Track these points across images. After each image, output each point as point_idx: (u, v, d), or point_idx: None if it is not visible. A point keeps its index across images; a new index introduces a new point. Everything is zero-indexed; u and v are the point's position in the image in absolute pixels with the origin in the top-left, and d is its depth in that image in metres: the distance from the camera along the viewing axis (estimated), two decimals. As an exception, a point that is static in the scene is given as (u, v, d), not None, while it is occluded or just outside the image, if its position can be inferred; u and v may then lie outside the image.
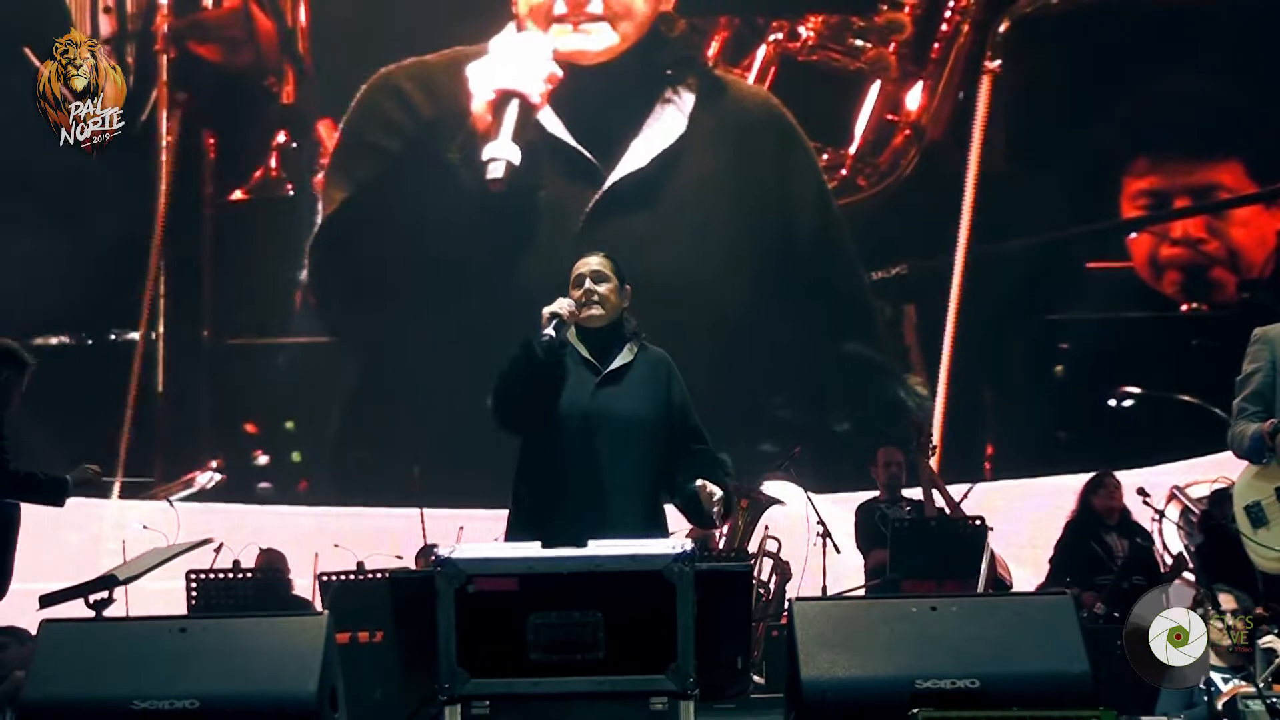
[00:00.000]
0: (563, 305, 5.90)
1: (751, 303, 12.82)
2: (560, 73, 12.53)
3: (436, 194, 12.67)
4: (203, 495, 12.97)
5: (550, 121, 12.70)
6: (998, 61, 13.27)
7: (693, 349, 12.00)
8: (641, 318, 6.15)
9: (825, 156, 13.39)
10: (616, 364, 5.96)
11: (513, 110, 12.37)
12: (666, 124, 12.88)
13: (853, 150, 13.48)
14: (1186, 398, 12.99)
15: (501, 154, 12.30)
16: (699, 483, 5.84)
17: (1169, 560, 10.19)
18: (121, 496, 12.83)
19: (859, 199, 13.46)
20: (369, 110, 13.03)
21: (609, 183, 12.75)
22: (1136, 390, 13.33)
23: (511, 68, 12.50)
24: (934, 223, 13.35)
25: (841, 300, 13.14)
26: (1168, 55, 13.05)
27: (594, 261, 6.02)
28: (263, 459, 13.45)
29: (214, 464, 13.23)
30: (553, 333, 5.80)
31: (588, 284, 5.96)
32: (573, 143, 12.72)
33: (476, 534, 10.03)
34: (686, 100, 12.94)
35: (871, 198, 13.48)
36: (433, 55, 12.99)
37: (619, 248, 6.37)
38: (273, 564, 10.36)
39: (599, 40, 12.79)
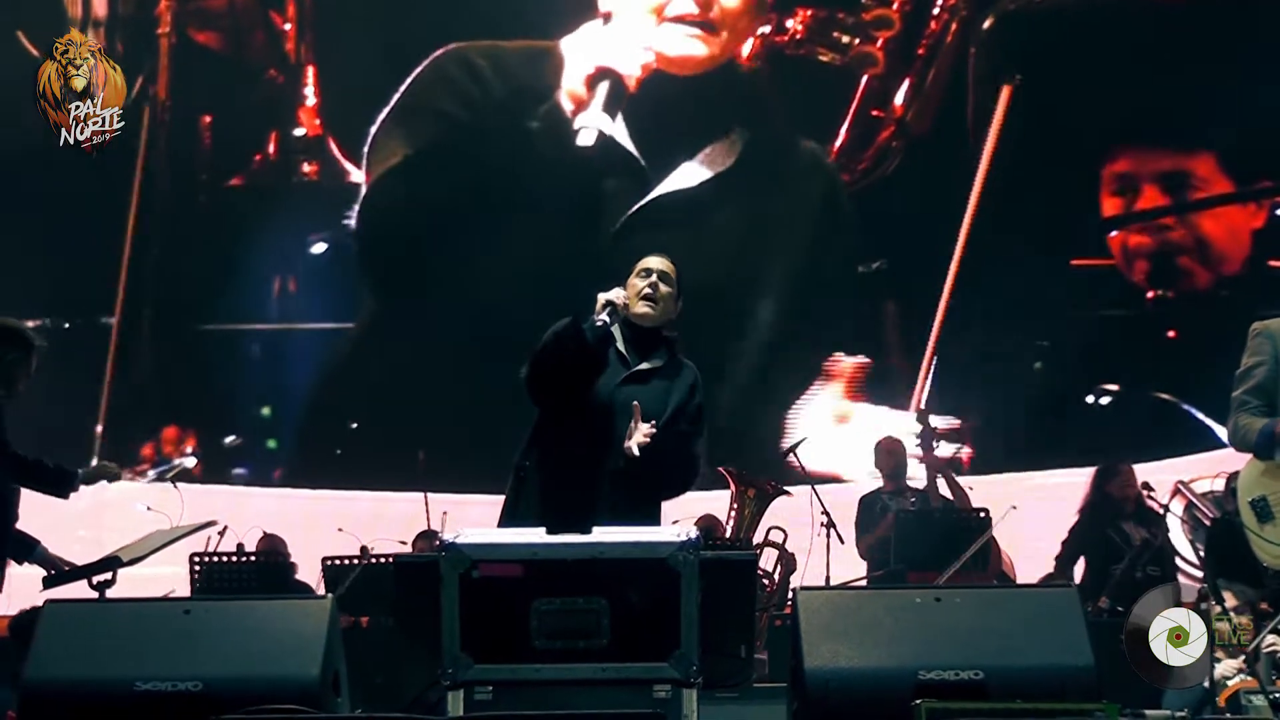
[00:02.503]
0: (618, 295, 6.00)
1: (770, 324, 13.22)
2: (654, 61, 12.98)
3: (489, 169, 13.00)
4: (198, 480, 12.91)
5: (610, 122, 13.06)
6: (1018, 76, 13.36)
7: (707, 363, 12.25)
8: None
9: (810, 151, 13.49)
10: (646, 365, 6.05)
11: (604, 86, 12.93)
12: (720, 154, 13.22)
13: (838, 145, 13.52)
14: (1163, 395, 13.06)
15: (594, 122, 12.91)
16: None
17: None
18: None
19: (842, 193, 13.54)
20: (437, 76, 13.24)
21: (654, 194, 13.07)
22: (1114, 387, 13.38)
23: (611, 48, 13.04)
24: (917, 219, 13.36)
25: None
26: (1148, 50, 13.10)
27: (664, 264, 6.13)
28: (230, 438, 13.47)
29: (188, 449, 13.22)
30: (607, 318, 5.93)
31: (654, 278, 6.07)
32: (630, 146, 13.03)
33: (479, 519, 10.00)
34: (743, 135, 13.25)
35: (855, 193, 13.52)
36: (507, 42, 13.32)
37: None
38: (274, 548, 10.32)
39: (703, 46, 13.18)
